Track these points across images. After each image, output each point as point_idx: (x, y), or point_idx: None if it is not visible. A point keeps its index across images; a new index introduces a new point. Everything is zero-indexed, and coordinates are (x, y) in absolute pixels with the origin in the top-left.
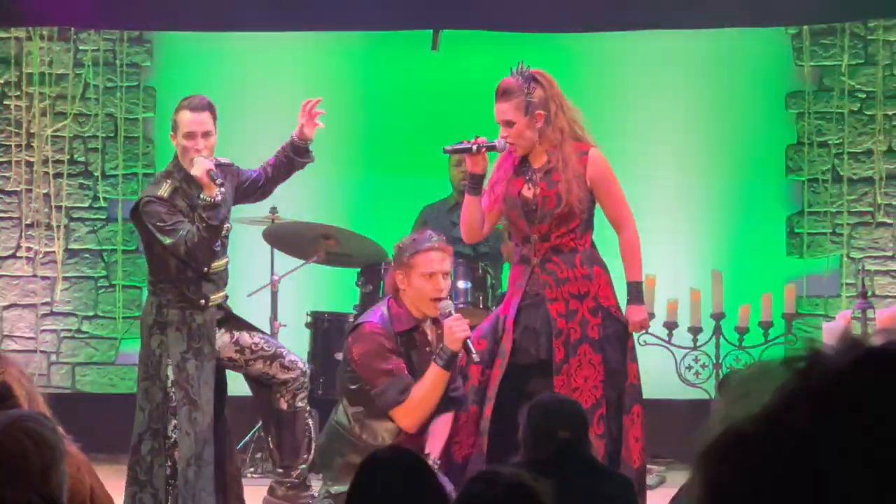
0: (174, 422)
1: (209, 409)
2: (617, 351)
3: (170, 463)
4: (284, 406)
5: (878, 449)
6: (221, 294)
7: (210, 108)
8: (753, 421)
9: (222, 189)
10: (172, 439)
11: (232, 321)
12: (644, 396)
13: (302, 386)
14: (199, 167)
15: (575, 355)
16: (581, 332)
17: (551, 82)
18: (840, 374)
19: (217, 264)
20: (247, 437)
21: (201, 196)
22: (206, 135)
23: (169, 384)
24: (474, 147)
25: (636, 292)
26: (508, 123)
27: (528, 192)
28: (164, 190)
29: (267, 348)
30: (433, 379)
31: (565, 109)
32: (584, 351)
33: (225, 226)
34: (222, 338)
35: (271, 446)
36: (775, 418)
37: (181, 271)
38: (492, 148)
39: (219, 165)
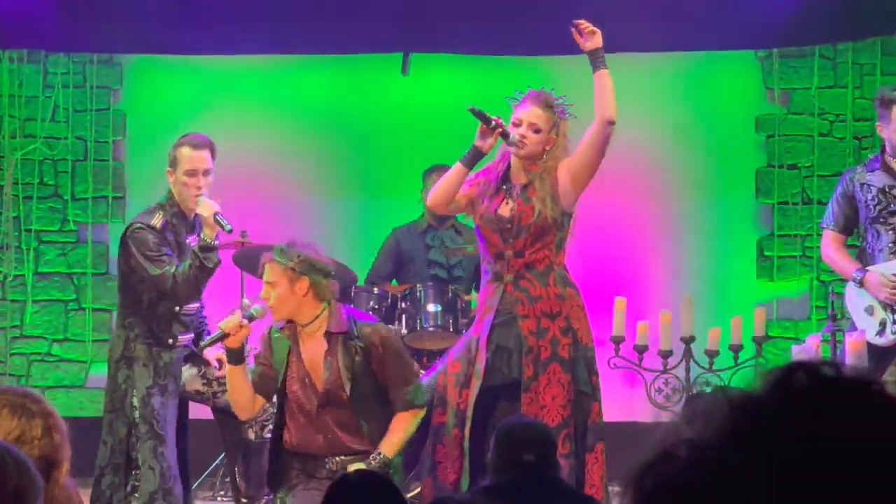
0: (138, 456)
1: (173, 445)
2: (585, 374)
3: (136, 495)
4: (252, 436)
5: (790, 473)
6: (189, 336)
7: (211, 146)
8: (683, 443)
9: (231, 233)
10: (137, 474)
11: (197, 356)
12: (614, 419)
13: (271, 417)
14: (207, 208)
15: (544, 373)
16: (551, 351)
17: (568, 124)
18: (759, 403)
19: (189, 305)
20: (217, 461)
21: (201, 236)
22: (206, 173)
23: (135, 417)
24: (493, 122)
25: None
26: (535, 128)
27: (504, 210)
28: (156, 220)
29: None
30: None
31: (566, 149)
32: (553, 370)
33: (215, 271)
34: (189, 371)
35: (236, 477)
36: (700, 443)
37: (152, 308)
38: (505, 135)
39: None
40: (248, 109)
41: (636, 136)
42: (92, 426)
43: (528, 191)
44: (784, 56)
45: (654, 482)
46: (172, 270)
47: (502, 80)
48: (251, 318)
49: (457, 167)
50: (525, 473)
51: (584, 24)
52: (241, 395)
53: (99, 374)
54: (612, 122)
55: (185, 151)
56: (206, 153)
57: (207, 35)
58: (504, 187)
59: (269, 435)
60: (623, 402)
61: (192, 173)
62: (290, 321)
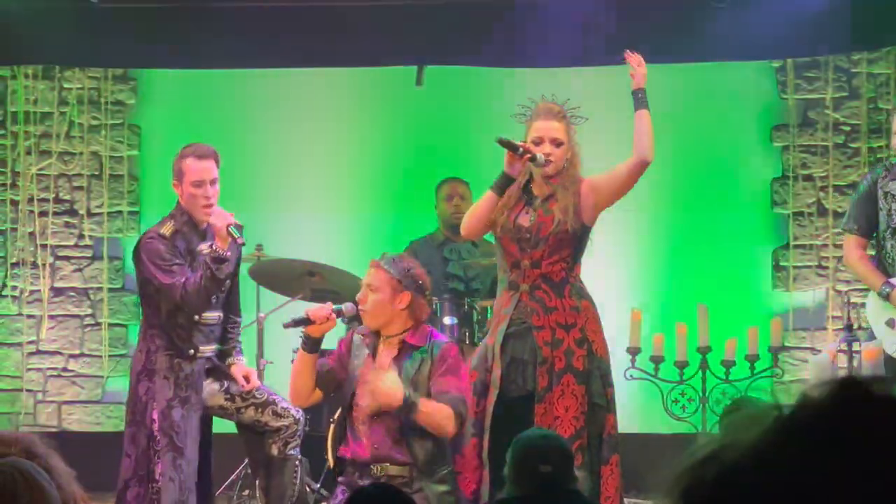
0: (159, 468)
1: (194, 457)
2: (600, 386)
3: None
4: (276, 452)
5: (862, 483)
6: (211, 347)
7: (215, 155)
8: (739, 454)
9: (243, 245)
10: (157, 486)
11: (220, 371)
12: (630, 431)
13: (294, 434)
14: (221, 218)
15: (558, 384)
16: (566, 362)
17: (574, 127)
18: (824, 411)
19: (208, 315)
20: (233, 476)
21: (213, 246)
22: (212, 182)
23: (155, 429)
24: (521, 148)
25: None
26: (557, 142)
27: (524, 220)
28: (166, 229)
29: (258, 395)
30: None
31: (576, 149)
32: (567, 381)
33: (226, 283)
34: (211, 386)
35: (258, 490)
36: (762, 453)
37: (171, 317)
38: (532, 158)
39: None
40: (262, 123)
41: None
42: (109, 441)
43: (549, 202)
44: (799, 67)
45: (705, 493)
46: (182, 280)
47: (515, 92)
48: (339, 314)
49: (488, 195)
50: (542, 485)
51: (633, 58)
52: (303, 383)
53: (115, 389)
54: (648, 163)
55: (190, 162)
56: (210, 163)
57: (222, 49)
58: (525, 197)
59: (291, 452)
60: (639, 414)
61: (198, 184)
62: (375, 331)
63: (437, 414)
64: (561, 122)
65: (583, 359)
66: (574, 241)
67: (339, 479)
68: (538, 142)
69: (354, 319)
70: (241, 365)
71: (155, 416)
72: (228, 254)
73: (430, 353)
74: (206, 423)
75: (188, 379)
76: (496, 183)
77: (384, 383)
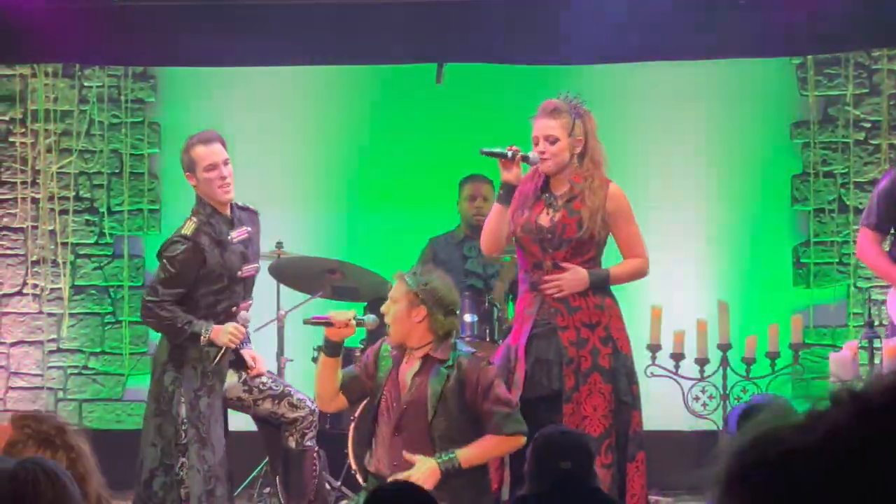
0: (182, 459)
1: (220, 445)
2: (626, 383)
3: (181, 498)
4: (293, 444)
5: None
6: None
7: (220, 138)
8: (806, 434)
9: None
10: (180, 476)
11: (240, 362)
12: (650, 428)
13: (311, 425)
14: (225, 338)
15: (585, 383)
16: (592, 361)
17: (591, 117)
18: (878, 402)
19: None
20: (254, 473)
21: (205, 331)
22: (225, 163)
23: (181, 421)
24: (509, 153)
25: (602, 276)
26: (552, 139)
27: (544, 219)
28: (187, 228)
29: (275, 387)
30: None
31: (599, 145)
32: (594, 380)
33: (248, 268)
34: (231, 378)
35: (278, 484)
36: (835, 432)
37: (211, 308)
38: (525, 159)
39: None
40: (282, 121)
41: (672, 143)
42: (130, 439)
43: (574, 202)
44: (819, 63)
45: (768, 473)
46: (167, 306)
47: (536, 89)
48: (360, 324)
49: (496, 208)
50: (562, 481)
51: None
52: (324, 388)
53: (135, 387)
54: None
55: (199, 150)
56: (217, 145)
57: (241, 47)
58: (544, 196)
59: (309, 443)
60: (660, 411)
61: (211, 167)
62: (400, 344)
63: (483, 454)
64: (556, 118)
65: (608, 357)
66: (599, 245)
67: (364, 485)
68: (535, 141)
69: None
70: (250, 349)
71: (182, 407)
72: (207, 338)
73: (455, 367)
74: (225, 411)
75: (216, 367)
76: (500, 194)
77: (415, 476)
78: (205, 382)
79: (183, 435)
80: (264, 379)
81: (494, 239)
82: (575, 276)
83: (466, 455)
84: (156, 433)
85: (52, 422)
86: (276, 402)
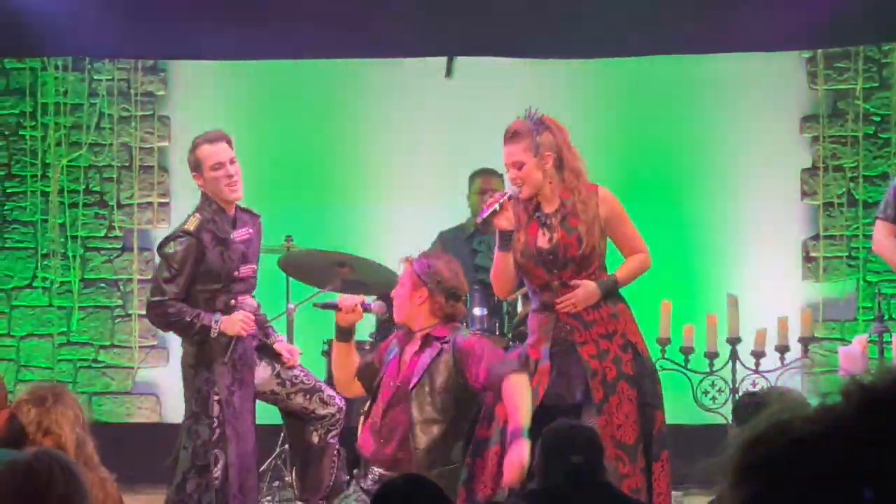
0: (220, 457)
1: (251, 436)
2: (650, 385)
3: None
4: (316, 440)
5: None
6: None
7: (226, 137)
8: (814, 424)
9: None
10: (216, 474)
11: (266, 349)
12: None
13: (337, 422)
14: (236, 326)
15: (614, 393)
16: (617, 370)
17: (560, 126)
18: (887, 394)
19: (245, 301)
20: (263, 466)
21: (215, 323)
22: (231, 161)
23: (215, 422)
24: (498, 205)
25: (610, 283)
26: (517, 165)
27: (543, 240)
28: (190, 223)
29: (307, 381)
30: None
31: (574, 153)
32: (622, 388)
33: (246, 268)
34: (264, 371)
35: (295, 477)
36: (843, 421)
37: (210, 304)
38: (510, 197)
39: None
40: (291, 114)
41: (681, 136)
42: (139, 432)
43: (569, 219)
44: (829, 57)
45: (779, 463)
46: (173, 300)
47: (546, 83)
48: (366, 310)
49: (498, 255)
50: (573, 476)
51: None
52: (340, 372)
53: (145, 380)
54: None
55: (205, 149)
56: (222, 144)
57: (251, 40)
58: (536, 216)
59: (331, 440)
60: (669, 405)
61: (218, 166)
62: (403, 325)
63: (521, 396)
64: (518, 143)
65: (630, 363)
66: (601, 255)
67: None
68: (507, 169)
69: (389, 319)
70: (283, 342)
71: (216, 407)
72: (215, 335)
73: (451, 344)
74: (254, 402)
75: (242, 358)
76: (499, 243)
77: (579, 295)
78: (235, 377)
79: (217, 433)
80: (296, 372)
81: (504, 284)
82: (586, 290)
83: (517, 413)
84: (187, 436)
85: (55, 390)
86: (308, 396)
